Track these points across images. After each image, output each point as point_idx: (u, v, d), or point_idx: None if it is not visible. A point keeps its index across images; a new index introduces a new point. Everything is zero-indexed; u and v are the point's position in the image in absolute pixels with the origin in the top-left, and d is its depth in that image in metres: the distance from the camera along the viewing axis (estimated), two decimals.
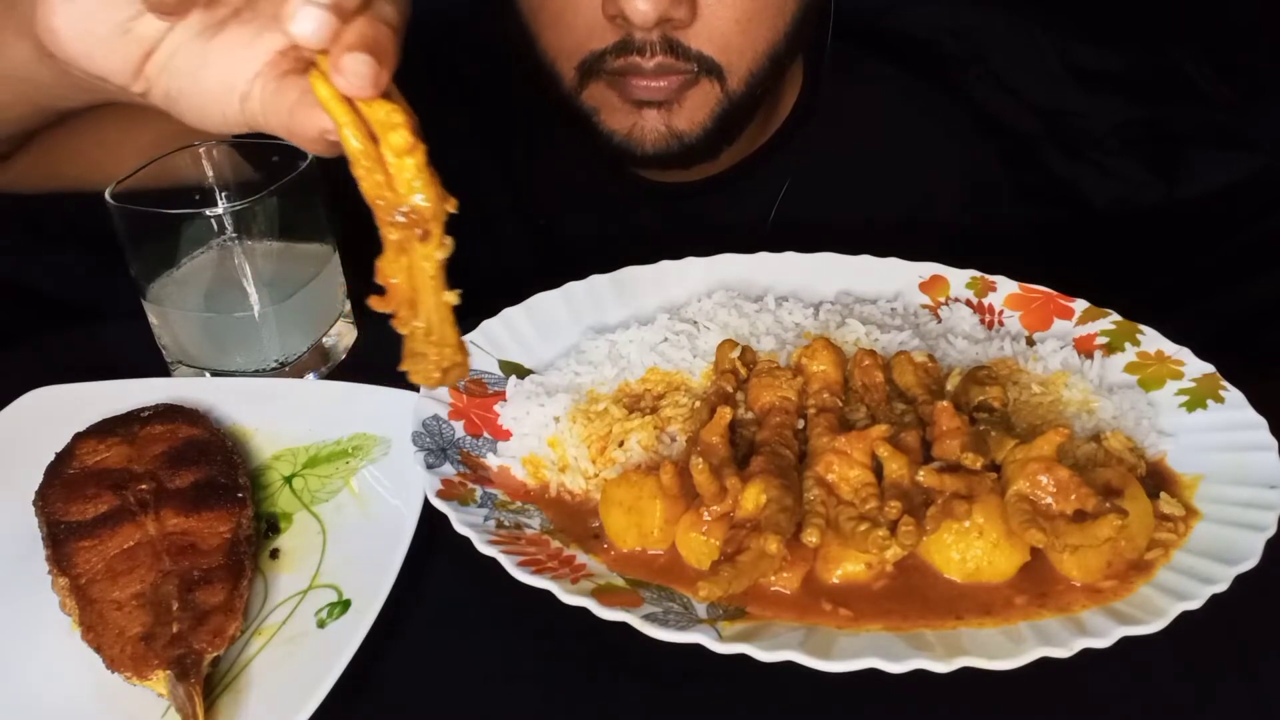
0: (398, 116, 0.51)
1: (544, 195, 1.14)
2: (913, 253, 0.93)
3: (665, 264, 0.93)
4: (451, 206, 0.53)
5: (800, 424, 0.73)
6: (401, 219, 0.53)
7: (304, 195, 0.84)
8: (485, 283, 0.83)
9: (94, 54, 0.58)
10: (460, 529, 0.65)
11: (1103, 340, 0.83)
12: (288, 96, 0.56)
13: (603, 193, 1.12)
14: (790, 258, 0.93)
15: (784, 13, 0.95)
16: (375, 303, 0.56)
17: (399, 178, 0.52)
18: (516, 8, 0.98)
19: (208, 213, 0.81)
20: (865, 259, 0.93)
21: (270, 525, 0.72)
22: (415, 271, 0.54)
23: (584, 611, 0.60)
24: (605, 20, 0.90)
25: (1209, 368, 0.77)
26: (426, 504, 0.69)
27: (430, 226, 0.53)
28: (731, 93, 0.96)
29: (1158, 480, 0.70)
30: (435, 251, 0.54)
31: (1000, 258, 0.91)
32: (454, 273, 0.59)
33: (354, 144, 0.51)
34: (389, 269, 0.55)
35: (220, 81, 0.58)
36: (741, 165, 1.12)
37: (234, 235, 0.83)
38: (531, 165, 1.14)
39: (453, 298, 0.56)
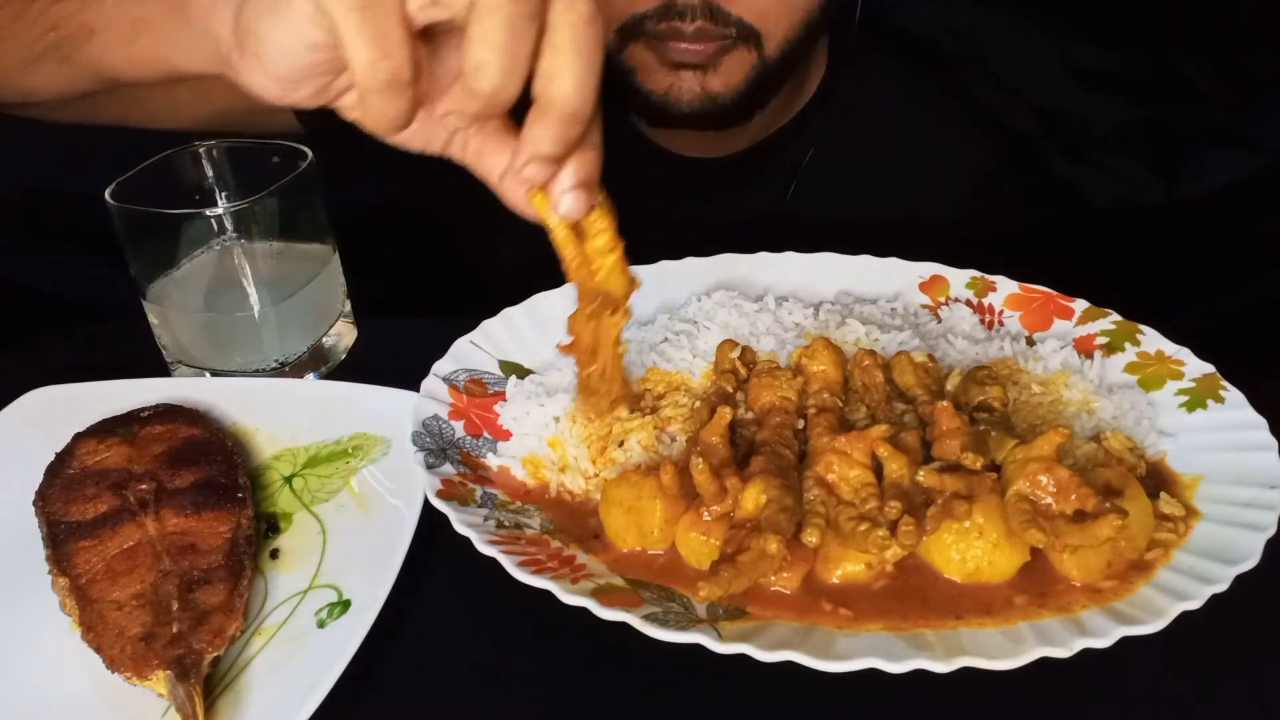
0: (601, 224, 0.61)
1: None
2: (919, 251, 0.93)
3: (665, 264, 0.93)
4: (637, 288, 0.65)
5: (800, 424, 0.73)
6: (599, 299, 0.65)
7: (304, 195, 0.84)
8: (505, 267, 0.84)
9: (293, 102, 0.60)
10: (460, 529, 0.65)
11: (1103, 340, 0.83)
12: (494, 163, 0.61)
13: (623, 173, 1.13)
14: (790, 258, 0.93)
15: None
16: (563, 348, 0.70)
17: (599, 270, 0.63)
18: None
19: (208, 213, 0.81)
20: (865, 259, 0.93)
21: (270, 525, 0.72)
22: (600, 331, 0.67)
23: (584, 611, 0.60)
24: None
25: (1209, 368, 0.77)
26: (426, 504, 0.69)
27: (620, 304, 0.65)
28: (767, 58, 0.98)
29: (1158, 480, 0.70)
30: (620, 321, 0.66)
31: (1003, 258, 0.91)
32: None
33: (568, 252, 0.62)
34: (578, 327, 0.68)
35: (416, 131, 0.61)
36: (764, 144, 1.13)
37: (234, 235, 0.83)
38: None
39: (624, 349, 0.69)
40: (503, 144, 0.61)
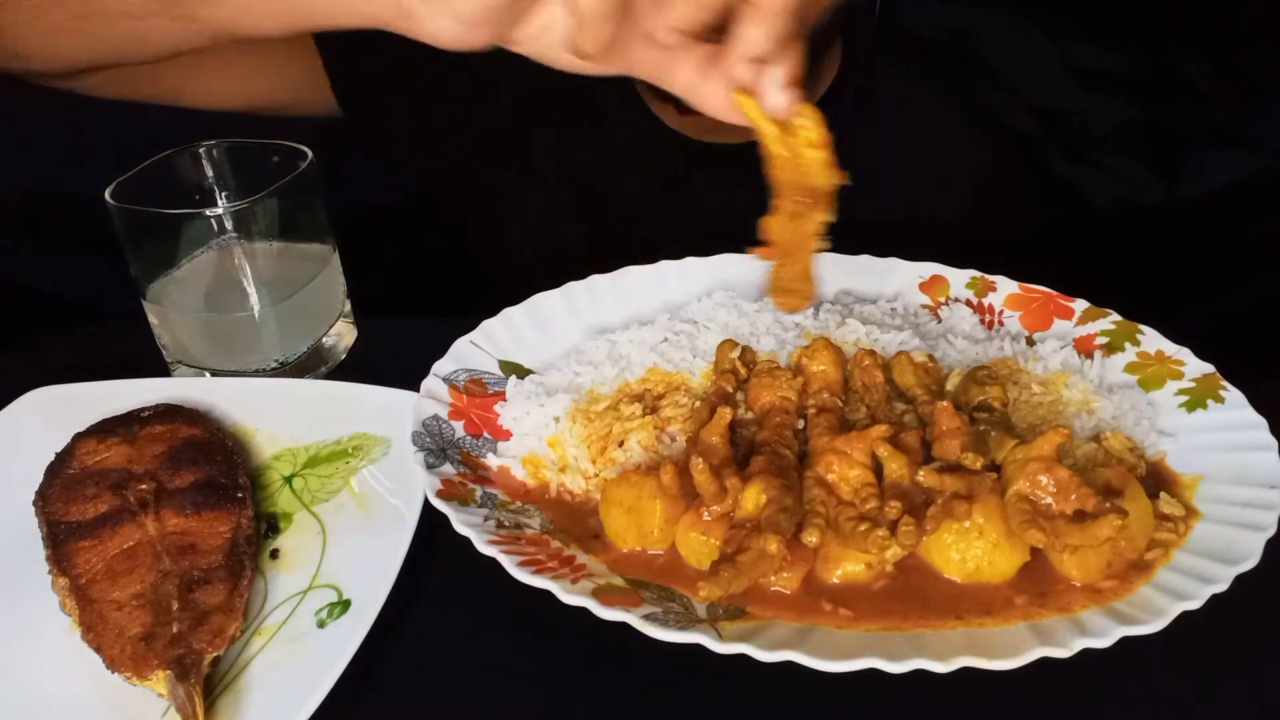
0: (808, 119, 0.63)
1: (592, 156, 1.15)
2: (920, 250, 0.92)
3: (665, 264, 0.93)
4: (843, 179, 0.66)
5: (800, 424, 0.73)
6: (804, 196, 0.67)
7: (304, 195, 0.84)
8: (505, 267, 0.84)
9: (470, 44, 0.63)
10: (460, 529, 0.65)
11: (1103, 340, 0.83)
12: (682, 75, 0.64)
13: (649, 153, 1.13)
14: None
15: None
16: (759, 252, 0.71)
17: (808, 166, 0.65)
18: None
19: (208, 213, 0.81)
20: (865, 259, 0.93)
21: (270, 525, 0.72)
22: (803, 229, 0.69)
23: (584, 611, 0.60)
24: None
25: (1209, 368, 0.77)
26: (426, 504, 0.69)
27: (825, 199, 0.67)
28: None
29: (1158, 480, 0.70)
30: (822, 216, 0.68)
31: (1003, 258, 0.91)
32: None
33: (777, 148, 0.65)
34: (778, 228, 0.69)
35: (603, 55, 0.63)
36: None
37: (234, 235, 0.83)
38: (580, 127, 1.15)
39: (822, 245, 0.70)
40: (687, 56, 0.63)
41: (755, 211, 1.12)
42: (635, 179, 1.13)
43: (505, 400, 0.81)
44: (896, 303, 0.89)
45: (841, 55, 1.15)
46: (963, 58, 1.30)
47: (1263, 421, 0.71)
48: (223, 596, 0.63)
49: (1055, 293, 0.87)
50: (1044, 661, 0.56)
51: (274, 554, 0.70)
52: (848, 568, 0.63)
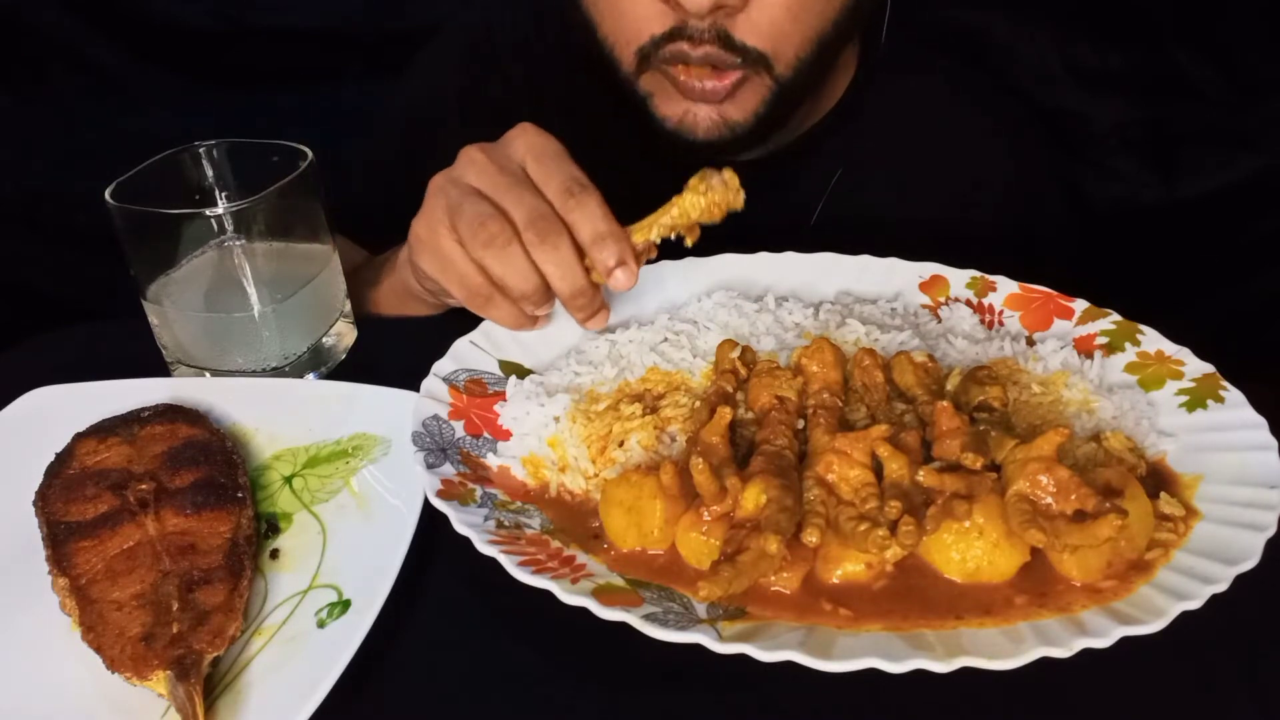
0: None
1: (592, 156, 1.15)
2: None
3: (665, 264, 0.93)
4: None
5: (800, 424, 0.73)
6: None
7: (304, 195, 0.84)
8: None
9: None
10: (460, 529, 0.65)
11: (1103, 340, 0.83)
12: None
13: (653, 174, 1.14)
14: (790, 257, 0.93)
15: (834, 1, 0.95)
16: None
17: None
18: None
19: (208, 213, 0.81)
20: (865, 259, 0.93)
21: (270, 525, 0.72)
22: None
23: (584, 611, 0.60)
24: (660, 6, 0.91)
25: (1209, 368, 0.77)
26: (426, 504, 0.69)
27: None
28: (780, 78, 0.96)
29: (1158, 480, 0.70)
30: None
31: (1003, 258, 0.91)
32: None
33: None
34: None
35: None
36: (787, 150, 1.11)
37: (234, 235, 0.83)
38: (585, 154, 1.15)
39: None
40: None
41: (759, 217, 1.11)
42: (636, 179, 1.13)
43: (505, 400, 0.80)
44: (896, 303, 0.89)
45: (859, 59, 1.14)
46: (963, 57, 1.30)
47: (1263, 421, 0.71)
48: (223, 597, 0.63)
49: (1055, 293, 0.87)
50: (1044, 661, 0.56)
51: (274, 554, 0.70)
52: (848, 568, 0.63)
